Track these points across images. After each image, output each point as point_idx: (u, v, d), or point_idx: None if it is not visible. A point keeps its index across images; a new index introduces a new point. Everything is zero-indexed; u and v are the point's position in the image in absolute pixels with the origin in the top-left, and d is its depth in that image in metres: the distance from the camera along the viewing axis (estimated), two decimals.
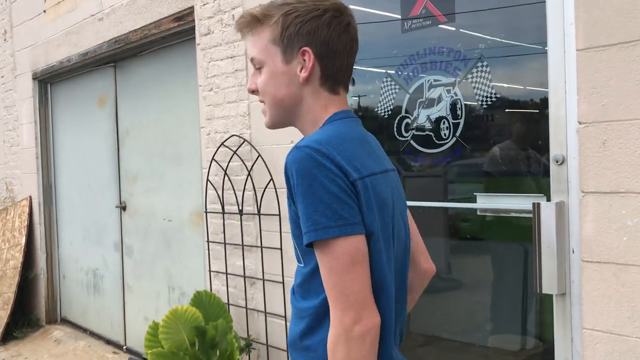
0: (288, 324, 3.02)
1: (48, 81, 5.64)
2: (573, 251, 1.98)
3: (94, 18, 4.64)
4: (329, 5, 1.26)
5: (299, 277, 1.28)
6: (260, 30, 1.28)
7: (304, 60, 1.25)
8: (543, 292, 2.01)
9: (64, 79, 5.46)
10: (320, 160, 1.13)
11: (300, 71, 1.26)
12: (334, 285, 1.12)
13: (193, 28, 3.65)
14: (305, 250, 1.19)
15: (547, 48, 2.04)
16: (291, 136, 2.97)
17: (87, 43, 4.74)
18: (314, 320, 1.22)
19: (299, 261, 1.27)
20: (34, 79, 5.61)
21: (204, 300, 3.22)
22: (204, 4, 3.50)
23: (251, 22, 1.29)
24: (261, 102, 1.34)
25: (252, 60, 1.31)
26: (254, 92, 1.33)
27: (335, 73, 1.28)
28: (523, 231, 2.21)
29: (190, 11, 3.65)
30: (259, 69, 1.31)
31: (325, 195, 1.12)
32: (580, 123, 1.89)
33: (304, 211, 1.13)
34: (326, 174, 1.12)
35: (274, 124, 1.34)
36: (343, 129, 1.24)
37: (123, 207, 4.72)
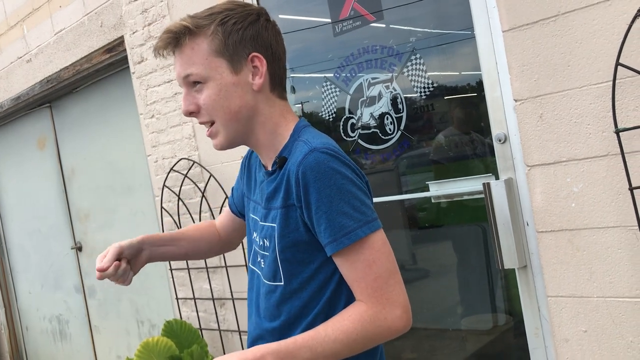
0: None
1: None
2: (527, 224, 2.04)
3: (21, 60, 4.52)
4: (257, 9, 1.22)
5: (273, 298, 1.22)
6: (194, 43, 1.17)
7: (255, 66, 1.19)
8: (505, 267, 2.07)
9: None
10: (343, 161, 1.12)
11: (253, 79, 1.19)
12: (377, 277, 1.10)
13: (126, 57, 3.60)
14: (301, 262, 1.16)
15: (474, 33, 2.10)
16: (240, 152, 2.96)
17: (18, 87, 4.61)
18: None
19: (273, 279, 1.21)
20: None
21: (175, 329, 3.17)
22: (134, 32, 3.46)
23: (181, 36, 1.17)
24: (203, 123, 1.23)
25: (187, 77, 1.19)
26: (192, 113, 1.21)
27: (282, 77, 1.25)
28: (478, 212, 2.27)
29: (120, 41, 3.60)
30: (195, 84, 1.19)
31: (357, 192, 1.11)
32: (516, 101, 1.96)
33: (337, 211, 1.09)
34: (352, 175, 1.12)
35: (230, 143, 1.23)
36: (324, 135, 1.23)
37: (79, 248, 4.60)
